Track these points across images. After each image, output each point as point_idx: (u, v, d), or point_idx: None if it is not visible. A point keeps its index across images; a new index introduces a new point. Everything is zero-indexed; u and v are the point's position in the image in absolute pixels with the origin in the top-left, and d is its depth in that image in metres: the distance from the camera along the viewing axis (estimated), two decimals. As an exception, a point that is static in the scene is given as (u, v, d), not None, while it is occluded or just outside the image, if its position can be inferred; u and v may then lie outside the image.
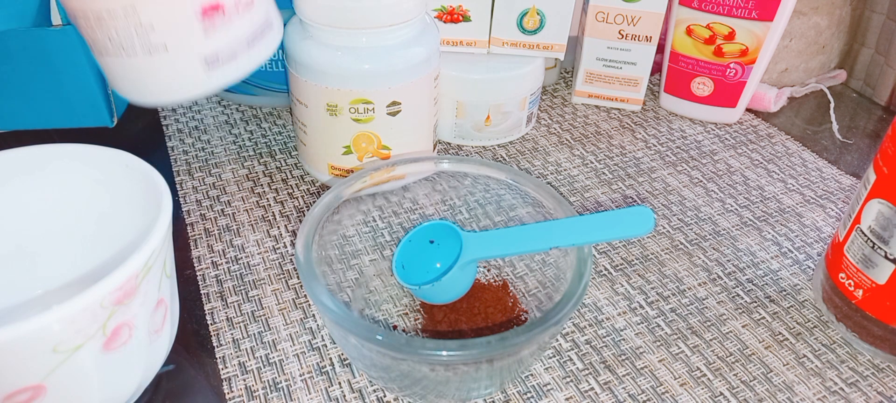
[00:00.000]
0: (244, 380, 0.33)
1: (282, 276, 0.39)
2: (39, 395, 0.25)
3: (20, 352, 0.23)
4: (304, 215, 0.40)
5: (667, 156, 0.52)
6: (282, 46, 0.45)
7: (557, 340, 0.36)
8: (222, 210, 0.44)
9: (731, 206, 0.47)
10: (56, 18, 0.46)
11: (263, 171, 0.48)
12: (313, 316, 0.37)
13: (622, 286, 0.40)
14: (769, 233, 0.44)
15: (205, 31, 0.28)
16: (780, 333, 0.37)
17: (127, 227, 0.33)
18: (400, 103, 0.41)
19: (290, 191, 0.46)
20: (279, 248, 0.41)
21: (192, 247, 0.41)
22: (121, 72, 0.31)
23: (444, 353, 0.27)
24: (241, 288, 0.38)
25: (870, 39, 0.62)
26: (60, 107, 0.48)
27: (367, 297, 0.38)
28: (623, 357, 0.35)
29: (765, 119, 0.57)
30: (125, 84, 0.31)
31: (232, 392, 0.33)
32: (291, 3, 0.41)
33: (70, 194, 0.33)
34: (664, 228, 0.44)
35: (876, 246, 0.33)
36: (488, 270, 0.39)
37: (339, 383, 0.33)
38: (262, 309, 0.37)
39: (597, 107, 0.58)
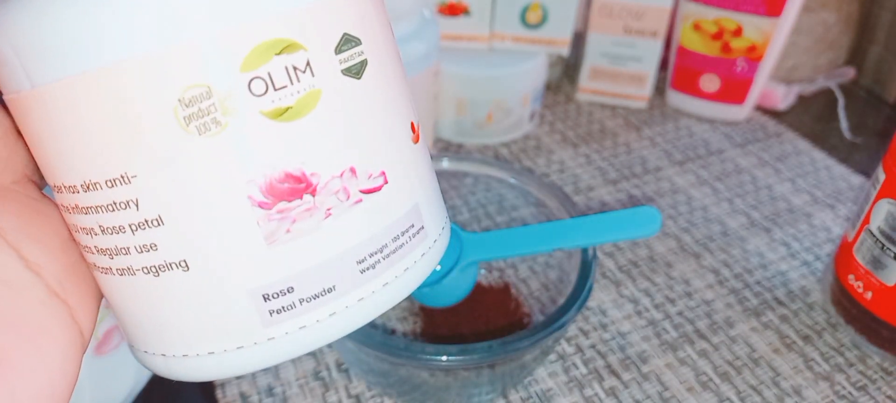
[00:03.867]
0: (238, 385, 0.33)
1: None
2: None
3: None
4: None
5: (673, 154, 0.51)
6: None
7: (561, 344, 0.36)
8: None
9: (740, 206, 0.46)
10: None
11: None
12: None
13: (628, 289, 0.39)
14: (778, 234, 0.43)
15: (266, 237, 0.15)
16: (789, 336, 0.36)
17: None
18: (400, 100, 0.41)
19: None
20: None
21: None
22: (120, 303, 0.17)
23: (445, 358, 0.27)
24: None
25: (878, 36, 0.61)
26: None
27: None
28: (628, 362, 0.35)
29: (773, 117, 0.56)
30: (128, 326, 0.17)
31: (226, 397, 0.32)
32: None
33: None
34: (671, 229, 0.44)
35: (885, 248, 0.33)
36: (490, 272, 0.38)
37: (336, 388, 0.33)
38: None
39: (601, 104, 0.57)
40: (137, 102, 0.13)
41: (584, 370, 0.34)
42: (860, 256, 0.34)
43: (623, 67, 0.55)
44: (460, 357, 0.27)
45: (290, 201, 0.14)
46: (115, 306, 0.17)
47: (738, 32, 0.51)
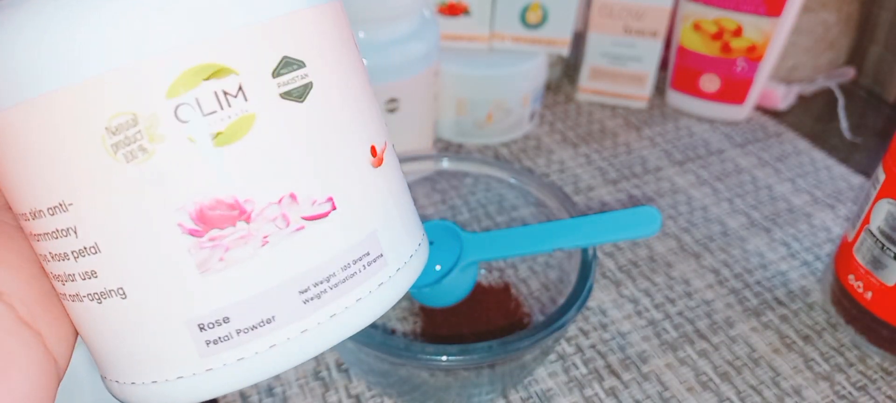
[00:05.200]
0: (239, 384, 0.33)
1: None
2: None
3: None
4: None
5: (673, 154, 0.51)
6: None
7: (561, 344, 0.35)
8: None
9: (740, 206, 0.46)
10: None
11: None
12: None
13: (628, 289, 0.39)
14: (778, 234, 0.43)
15: (198, 266, 0.14)
16: (789, 336, 0.36)
17: None
18: (398, 100, 0.40)
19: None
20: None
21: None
22: (79, 330, 0.17)
23: (445, 358, 0.27)
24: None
25: (878, 36, 0.61)
26: None
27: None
28: (628, 362, 0.35)
29: (773, 117, 0.56)
30: (91, 352, 0.17)
31: (226, 397, 0.32)
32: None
33: None
34: (671, 229, 0.44)
35: (885, 247, 0.33)
36: (490, 272, 0.38)
37: (336, 388, 0.33)
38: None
39: (602, 104, 0.57)
40: (67, 131, 0.13)
41: (584, 370, 0.34)
42: (860, 256, 0.34)
43: (623, 67, 0.54)
44: (460, 357, 0.27)
45: (222, 229, 0.14)
46: (79, 332, 0.17)
47: (738, 32, 0.51)
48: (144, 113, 0.13)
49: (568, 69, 0.60)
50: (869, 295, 0.34)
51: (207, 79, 0.13)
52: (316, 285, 0.15)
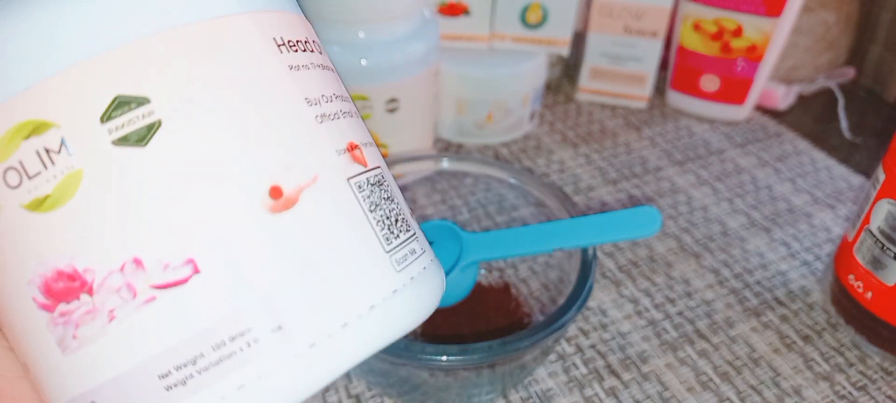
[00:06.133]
0: (239, 384, 0.33)
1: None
2: None
3: None
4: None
5: (673, 154, 0.51)
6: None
7: (561, 344, 0.35)
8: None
9: (740, 206, 0.46)
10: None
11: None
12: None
13: (628, 289, 0.39)
14: (778, 234, 0.43)
15: (58, 344, 0.13)
16: (789, 336, 0.36)
17: None
18: (398, 100, 0.40)
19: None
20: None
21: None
22: None
23: (445, 358, 0.27)
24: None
25: (878, 36, 0.61)
26: None
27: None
28: (628, 362, 0.35)
29: (773, 117, 0.56)
30: None
31: None
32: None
33: None
34: (671, 229, 0.44)
35: (885, 248, 0.33)
36: (490, 272, 0.38)
37: (336, 388, 0.33)
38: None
39: (601, 104, 0.57)
40: None
41: (584, 370, 0.34)
42: (860, 256, 0.34)
43: (623, 67, 0.54)
44: (460, 357, 0.27)
45: (69, 302, 0.13)
46: None
47: (738, 32, 0.51)
48: None
49: (568, 69, 0.60)
50: (869, 295, 0.34)
51: (27, 138, 0.12)
52: (178, 368, 0.13)
